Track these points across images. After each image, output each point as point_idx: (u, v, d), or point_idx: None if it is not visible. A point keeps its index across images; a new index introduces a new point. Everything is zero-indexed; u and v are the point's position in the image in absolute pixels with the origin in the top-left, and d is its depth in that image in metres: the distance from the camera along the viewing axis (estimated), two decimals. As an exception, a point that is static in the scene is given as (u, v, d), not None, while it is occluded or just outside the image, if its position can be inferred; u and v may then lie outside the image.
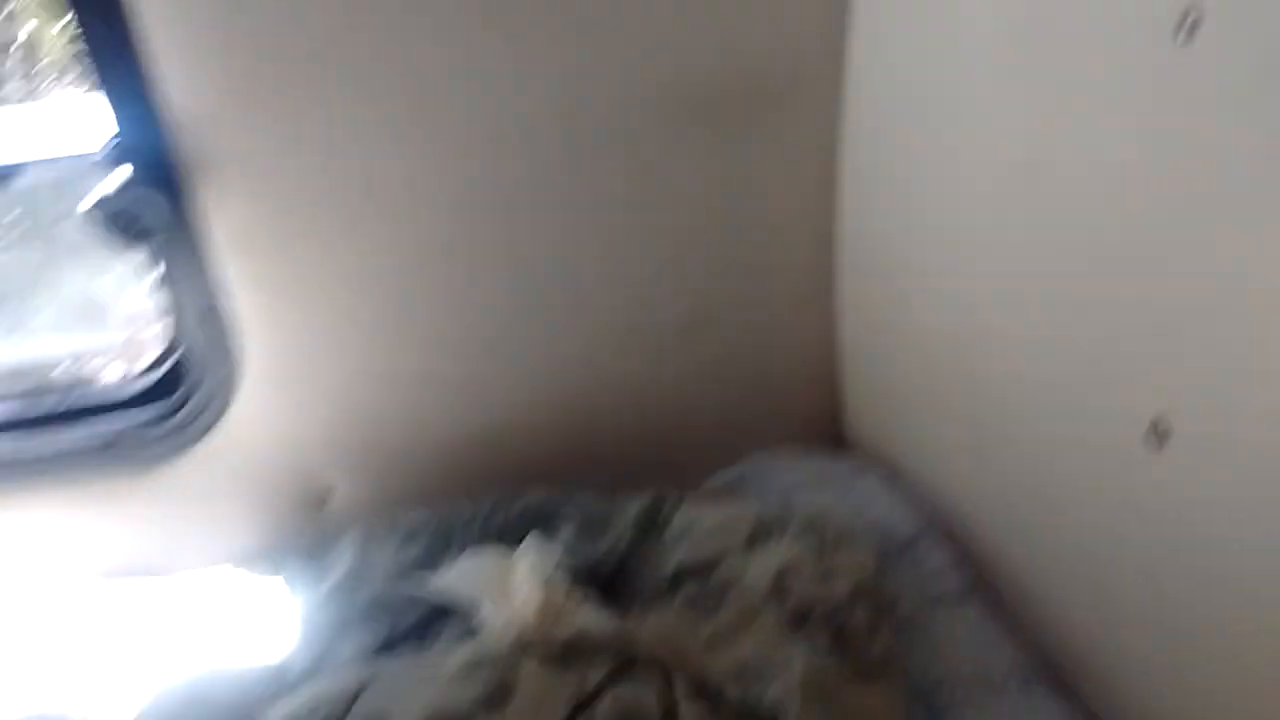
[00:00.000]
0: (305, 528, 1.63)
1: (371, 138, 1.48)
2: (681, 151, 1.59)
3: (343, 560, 1.47)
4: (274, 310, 1.53)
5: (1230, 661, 1.05)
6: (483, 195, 1.54)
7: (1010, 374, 1.33)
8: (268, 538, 1.64)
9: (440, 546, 1.46)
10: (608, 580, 1.43)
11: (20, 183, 1.45)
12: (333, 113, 1.46)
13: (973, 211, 1.35)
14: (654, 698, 1.09)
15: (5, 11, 1.89)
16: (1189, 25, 0.94)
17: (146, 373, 1.61)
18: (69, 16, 1.34)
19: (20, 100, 1.77)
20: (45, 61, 1.79)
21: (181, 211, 1.41)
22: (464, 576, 1.36)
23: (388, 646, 1.34)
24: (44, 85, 1.77)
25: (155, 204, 1.34)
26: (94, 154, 1.40)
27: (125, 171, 1.36)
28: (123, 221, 1.34)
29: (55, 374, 1.75)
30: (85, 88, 1.48)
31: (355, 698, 1.09)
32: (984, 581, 1.45)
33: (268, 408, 1.59)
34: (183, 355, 1.56)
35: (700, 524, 1.44)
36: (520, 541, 1.41)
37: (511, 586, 1.32)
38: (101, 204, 1.34)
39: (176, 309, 1.52)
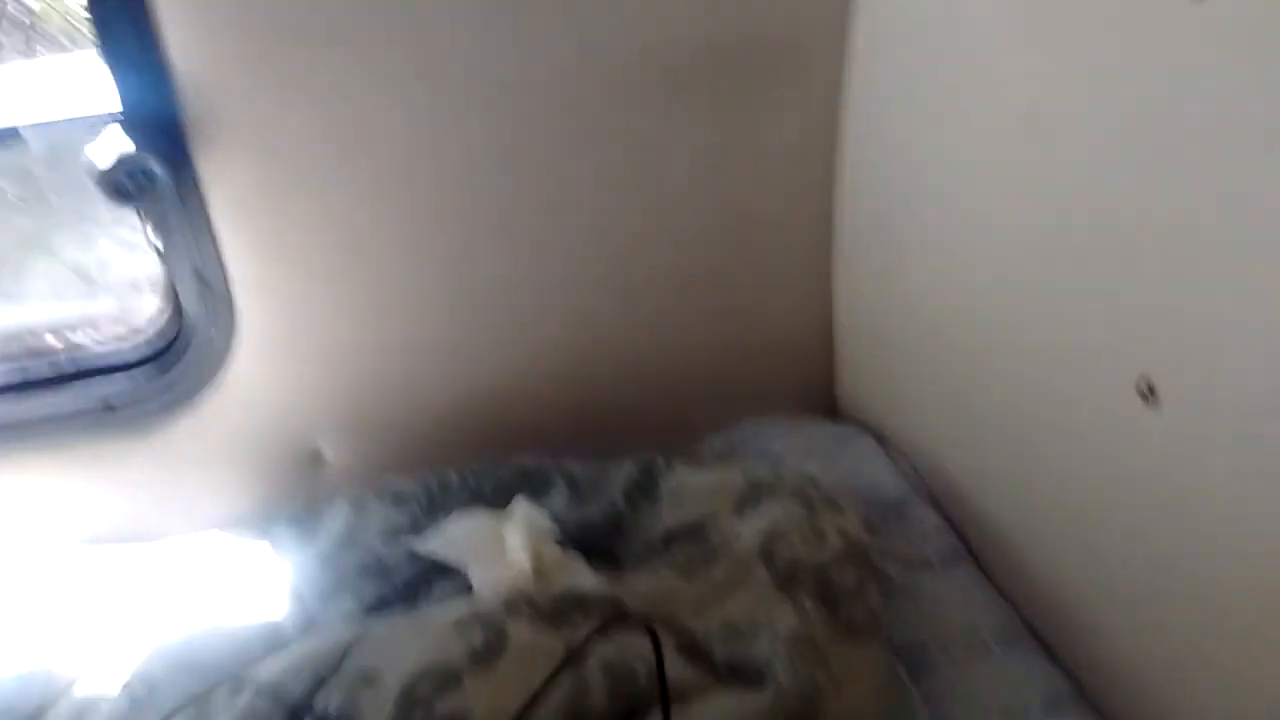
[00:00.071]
0: (297, 492, 1.63)
1: (370, 103, 1.48)
2: (681, 116, 1.59)
3: (334, 523, 1.48)
4: (269, 275, 1.53)
5: (1216, 621, 1.06)
6: (481, 159, 1.54)
7: (1001, 336, 1.34)
8: (260, 502, 1.65)
9: (431, 509, 1.48)
10: (598, 542, 1.44)
11: (19, 144, 1.44)
12: (332, 78, 1.46)
13: (970, 179, 1.36)
14: (643, 654, 1.09)
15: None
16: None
17: (141, 336, 1.61)
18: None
19: (20, 60, 1.76)
20: (46, 25, 1.78)
21: (180, 174, 1.41)
22: (454, 538, 1.38)
23: (378, 608, 1.36)
24: (46, 47, 1.76)
25: (154, 166, 1.34)
26: (94, 116, 1.40)
27: (126, 132, 1.36)
28: (122, 183, 1.34)
29: (50, 338, 1.75)
30: (86, 49, 1.48)
31: (346, 653, 1.10)
32: (971, 545, 1.47)
33: (262, 372, 1.60)
34: (177, 318, 1.57)
35: (690, 487, 1.45)
36: (510, 504, 1.43)
37: (502, 547, 1.34)
38: (101, 165, 1.33)
39: (173, 272, 1.52)
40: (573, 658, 1.06)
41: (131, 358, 1.59)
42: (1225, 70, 0.93)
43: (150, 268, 1.63)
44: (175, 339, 1.57)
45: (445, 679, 1.03)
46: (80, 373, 1.60)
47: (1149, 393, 1.06)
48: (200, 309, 1.53)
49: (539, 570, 1.29)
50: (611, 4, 1.51)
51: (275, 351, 1.59)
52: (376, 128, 1.50)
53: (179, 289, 1.53)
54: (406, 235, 1.58)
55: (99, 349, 1.63)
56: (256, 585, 1.40)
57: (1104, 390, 1.13)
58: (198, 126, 1.41)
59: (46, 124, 1.44)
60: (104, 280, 2.06)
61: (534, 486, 1.50)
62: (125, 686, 1.22)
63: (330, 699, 1.04)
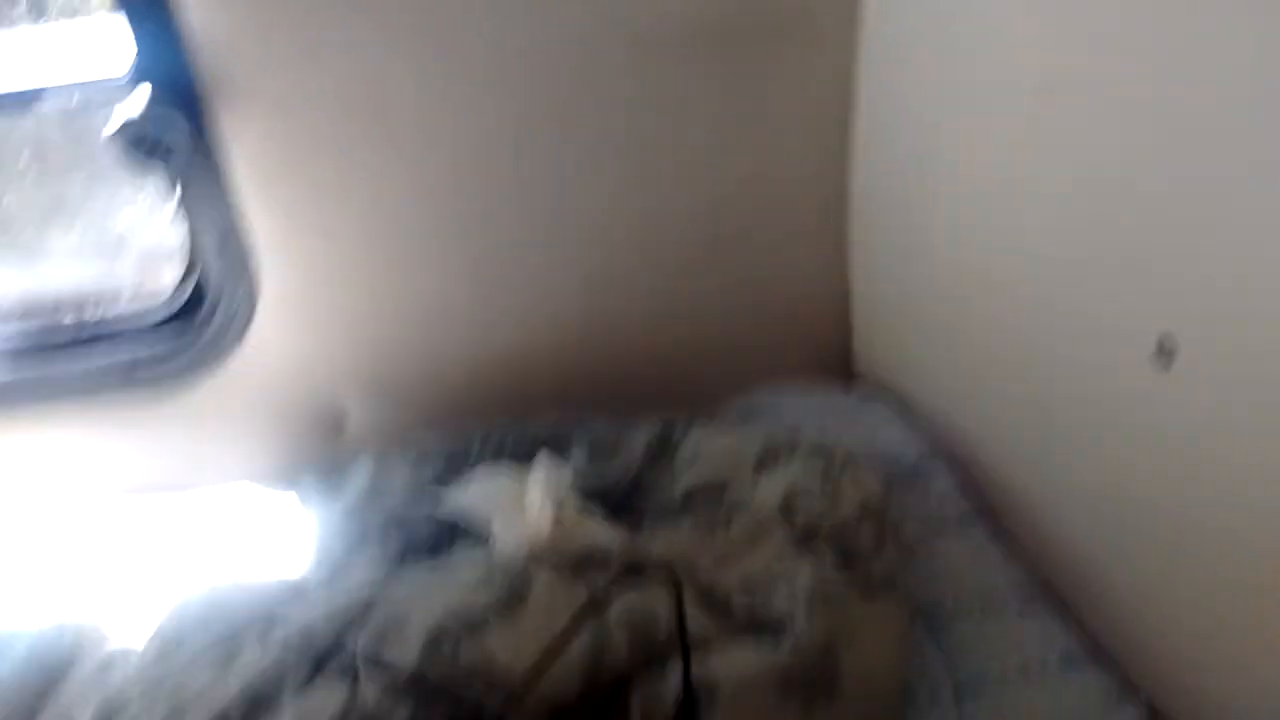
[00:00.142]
0: (320, 453, 1.65)
1: (386, 67, 1.49)
2: (697, 80, 1.59)
3: (358, 480, 1.50)
4: (290, 235, 1.55)
5: (1232, 580, 1.07)
6: (496, 124, 1.55)
7: (1017, 298, 1.35)
8: (284, 462, 1.67)
9: (453, 467, 1.49)
10: (618, 502, 1.45)
11: (41, 107, 1.46)
12: (349, 42, 1.47)
13: (985, 139, 1.36)
14: (663, 605, 1.11)
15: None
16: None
17: (165, 298, 1.63)
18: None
19: (38, 25, 1.78)
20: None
21: (201, 135, 1.43)
22: (477, 494, 1.39)
23: (402, 562, 1.37)
24: (63, 8, 1.77)
25: (175, 127, 1.35)
26: (115, 78, 1.41)
27: (146, 94, 1.37)
28: (143, 144, 1.35)
29: (75, 300, 1.77)
30: (106, 10, 1.48)
31: (373, 601, 1.12)
32: (987, 506, 1.48)
33: (284, 334, 1.61)
34: (201, 280, 1.58)
35: (710, 448, 1.46)
36: (532, 463, 1.44)
37: (524, 504, 1.35)
38: (123, 127, 1.34)
39: (195, 234, 1.53)
40: (594, 606, 1.07)
41: (155, 320, 1.61)
42: (1241, 31, 0.94)
43: (173, 233, 1.64)
44: (198, 301, 1.59)
45: (470, 626, 1.05)
46: (105, 335, 1.61)
47: (1168, 354, 1.07)
48: (222, 271, 1.54)
49: (560, 525, 1.30)
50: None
51: (297, 313, 1.60)
52: (393, 91, 1.51)
53: (201, 251, 1.54)
54: (424, 198, 1.59)
55: (123, 312, 1.65)
56: (282, 539, 1.41)
57: (1122, 352, 1.14)
58: (216, 89, 1.42)
59: (68, 86, 1.45)
60: (128, 246, 2.07)
61: (555, 446, 1.51)
62: (154, 636, 1.24)
63: (357, 643, 1.06)
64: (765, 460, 1.40)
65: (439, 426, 1.58)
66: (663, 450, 1.51)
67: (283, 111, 1.48)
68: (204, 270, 1.56)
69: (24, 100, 1.47)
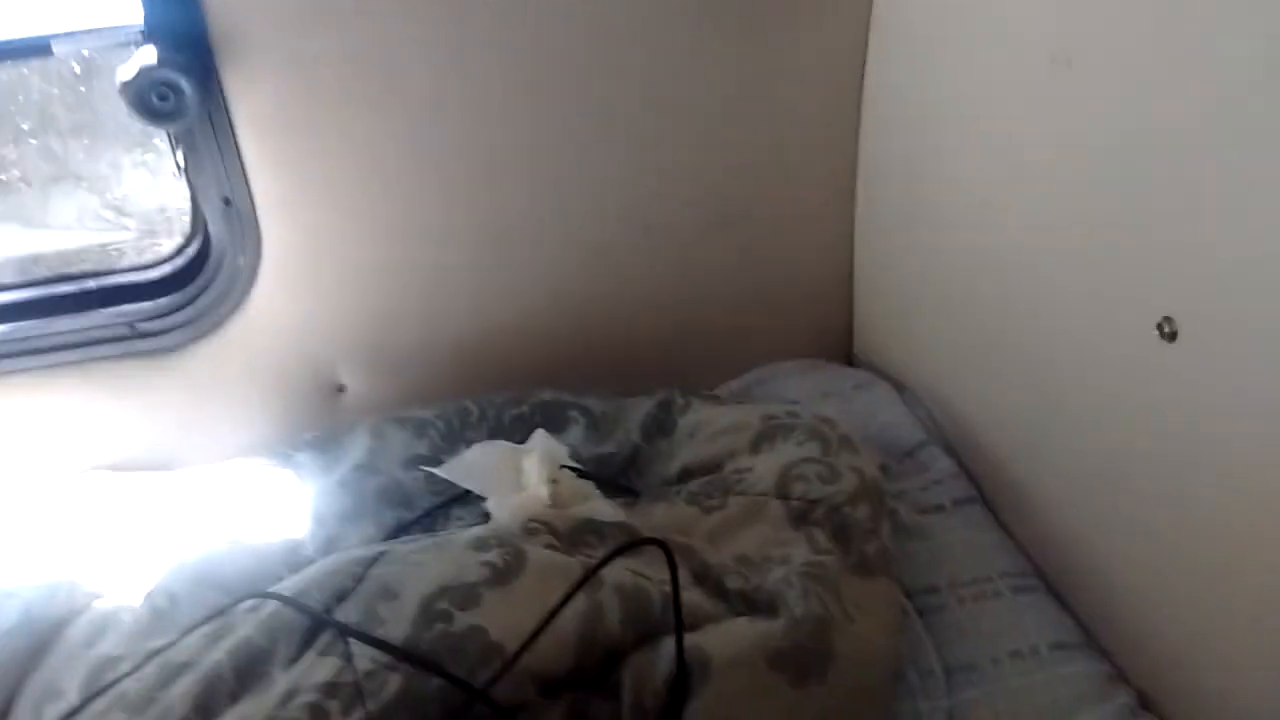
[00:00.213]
0: (318, 421, 1.65)
1: (395, 28, 1.48)
2: (706, 52, 1.58)
3: (354, 451, 1.50)
4: (295, 199, 1.54)
5: (1232, 567, 1.06)
6: (504, 89, 1.54)
7: (1020, 281, 1.34)
8: (281, 430, 1.66)
9: (450, 440, 1.49)
10: (614, 477, 1.46)
11: (45, 60, 1.44)
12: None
13: (994, 119, 1.35)
14: (658, 580, 1.11)
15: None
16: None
17: (167, 260, 1.62)
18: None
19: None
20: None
21: (208, 93, 1.41)
22: (473, 466, 1.39)
23: (397, 533, 1.38)
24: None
25: (182, 83, 1.34)
26: (121, 30, 1.40)
27: (152, 50, 1.36)
28: (150, 100, 1.34)
29: (77, 260, 1.76)
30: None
31: (367, 569, 1.12)
32: (985, 491, 1.48)
33: (286, 299, 1.61)
34: (203, 242, 1.58)
35: (707, 424, 1.46)
36: (529, 437, 1.44)
37: (520, 477, 1.35)
38: (131, 80, 1.34)
39: (198, 195, 1.53)
40: (590, 578, 1.07)
41: (158, 281, 1.60)
42: (1247, 13, 0.93)
43: (177, 196, 1.64)
44: (201, 263, 1.58)
45: (464, 595, 1.05)
46: (105, 296, 1.61)
47: (1169, 337, 1.07)
48: (226, 233, 1.54)
49: (556, 499, 1.30)
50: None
51: (300, 279, 1.60)
52: (401, 52, 1.49)
53: (205, 213, 1.53)
54: (430, 164, 1.58)
55: (124, 272, 1.64)
56: (278, 507, 1.42)
57: (1123, 335, 1.13)
58: (224, 44, 1.41)
59: (74, 34, 1.44)
60: (131, 211, 2.07)
61: (553, 421, 1.51)
62: (147, 598, 1.24)
63: (350, 611, 1.06)
64: (762, 439, 1.40)
65: (436, 399, 1.57)
66: (660, 427, 1.51)
67: (290, 71, 1.47)
68: (206, 233, 1.56)
69: (34, 47, 1.46)
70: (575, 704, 1.04)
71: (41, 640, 1.25)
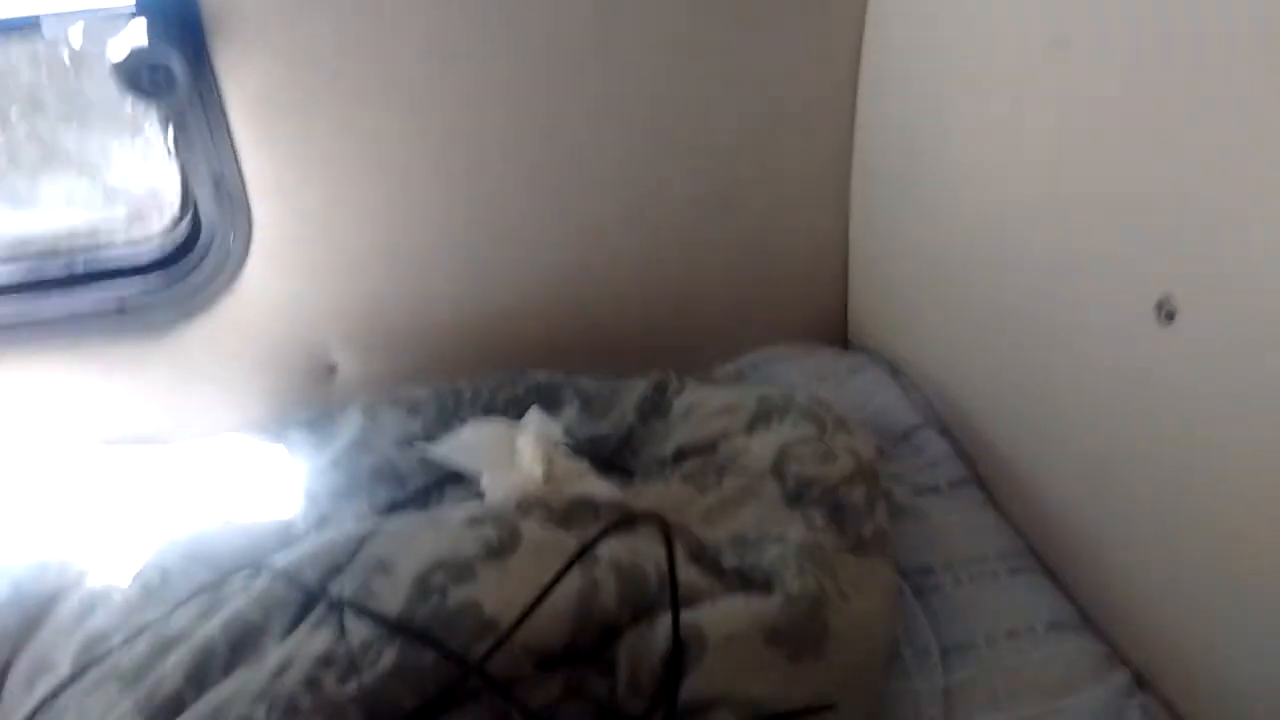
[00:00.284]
0: (310, 403, 1.64)
1: (388, 6, 1.47)
2: (703, 35, 1.58)
3: (347, 430, 1.49)
4: (286, 180, 1.53)
5: (1226, 548, 1.07)
6: (500, 67, 1.53)
7: (1016, 263, 1.34)
8: (272, 409, 1.66)
9: (443, 419, 1.48)
10: (609, 458, 1.45)
11: (35, 39, 1.43)
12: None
13: (991, 101, 1.35)
14: (654, 557, 1.10)
15: None
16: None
17: (157, 239, 1.61)
18: None
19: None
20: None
21: (200, 71, 1.40)
22: (467, 444, 1.39)
23: (390, 512, 1.37)
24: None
25: (173, 61, 1.33)
26: (114, 8, 1.39)
27: (146, 26, 1.35)
28: (141, 78, 1.33)
29: (67, 242, 1.75)
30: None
31: (361, 544, 1.11)
32: (980, 473, 1.48)
33: (277, 280, 1.60)
34: (193, 222, 1.56)
35: (702, 405, 1.46)
36: (523, 416, 1.43)
37: (514, 456, 1.35)
38: (120, 59, 1.33)
39: (189, 174, 1.52)
40: (586, 552, 1.06)
41: (146, 261, 1.59)
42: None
43: (169, 176, 1.62)
44: (191, 243, 1.57)
45: (459, 570, 1.04)
46: (95, 275, 1.60)
47: (1167, 317, 1.06)
48: (216, 213, 1.52)
49: (551, 477, 1.29)
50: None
51: (290, 259, 1.59)
52: (395, 32, 1.48)
53: (196, 192, 1.52)
54: (423, 145, 1.57)
55: (114, 252, 1.63)
56: (270, 485, 1.41)
57: (1122, 314, 1.13)
58: (216, 22, 1.40)
59: (64, 13, 1.42)
60: (121, 194, 2.05)
61: (547, 401, 1.50)
62: (138, 575, 1.23)
63: (344, 585, 1.05)
64: (758, 420, 1.40)
65: (429, 379, 1.56)
66: (655, 407, 1.50)
67: (283, 51, 1.45)
68: (197, 212, 1.55)
69: (23, 25, 1.44)
70: (571, 680, 1.04)
71: (32, 616, 1.24)
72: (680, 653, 1.02)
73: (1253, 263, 0.96)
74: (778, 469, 1.30)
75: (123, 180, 2.01)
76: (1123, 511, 1.22)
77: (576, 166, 1.64)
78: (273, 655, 1.01)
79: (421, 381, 1.56)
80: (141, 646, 1.06)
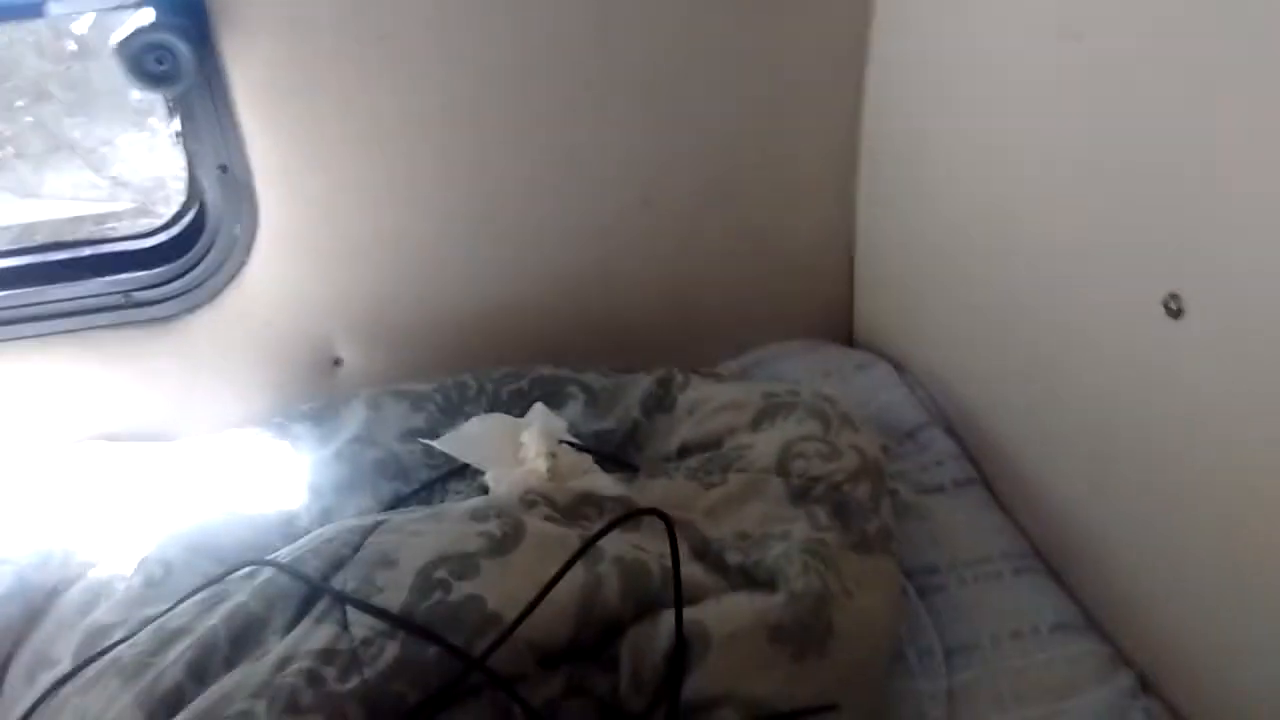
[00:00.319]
0: (314, 396, 1.63)
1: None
2: (708, 25, 1.57)
3: (351, 423, 1.49)
4: (292, 168, 1.52)
5: (1232, 550, 1.06)
6: (505, 59, 1.53)
7: (1023, 261, 1.34)
8: (276, 402, 1.65)
9: (448, 413, 1.48)
10: (613, 454, 1.45)
11: (41, 40, 1.43)
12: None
13: (998, 94, 1.34)
14: (657, 554, 1.10)
15: None
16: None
17: (163, 228, 1.60)
18: None
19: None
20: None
21: (204, 57, 1.40)
22: (471, 438, 1.38)
23: (394, 506, 1.37)
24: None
25: (178, 46, 1.33)
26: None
27: (149, 13, 1.34)
28: (146, 64, 1.33)
29: (72, 230, 1.75)
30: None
31: (365, 538, 1.11)
32: (985, 473, 1.47)
33: (282, 271, 1.59)
34: (199, 211, 1.56)
35: (707, 402, 1.45)
36: (527, 412, 1.43)
37: (519, 450, 1.34)
38: (123, 44, 1.32)
39: (195, 162, 1.51)
40: (589, 547, 1.06)
41: (153, 250, 1.59)
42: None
43: (175, 167, 1.62)
44: (197, 232, 1.56)
45: (462, 565, 1.04)
46: (100, 264, 1.59)
47: (1174, 314, 1.06)
48: (222, 201, 1.52)
49: (555, 472, 1.29)
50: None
51: (297, 249, 1.58)
52: (402, 19, 1.47)
53: (201, 181, 1.52)
54: (431, 134, 1.56)
55: (120, 241, 1.63)
56: (273, 478, 1.40)
57: (1130, 311, 1.12)
58: (222, 8, 1.39)
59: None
60: (126, 185, 2.06)
61: (551, 396, 1.50)
62: (141, 567, 1.23)
63: (347, 579, 1.05)
64: (763, 416, 1.39)
65: (434, 373, 1.56)
66: (659, 404, 1.50)
67: (289, 36, 1.45)
68: (203, 201, 1.54)
69: (28, 8, 1.43)
70: (574, 676, 1.04)
71: (34, 609, 1.24)
72: (683, 650, 1.01)
73: (1263, 259, 0.95)
74: (782, 466, 1.29)
75: (129, 170, 2.01)
76: (1129, 512, 1.21)
77: (581, 159, 1.63)
78: (274, 649, 1.00)
79: (425, 376, 1.56)
80: (143, 640, 1.06)
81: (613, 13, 1.54)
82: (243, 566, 1.15)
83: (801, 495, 1.26)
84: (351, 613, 1.01)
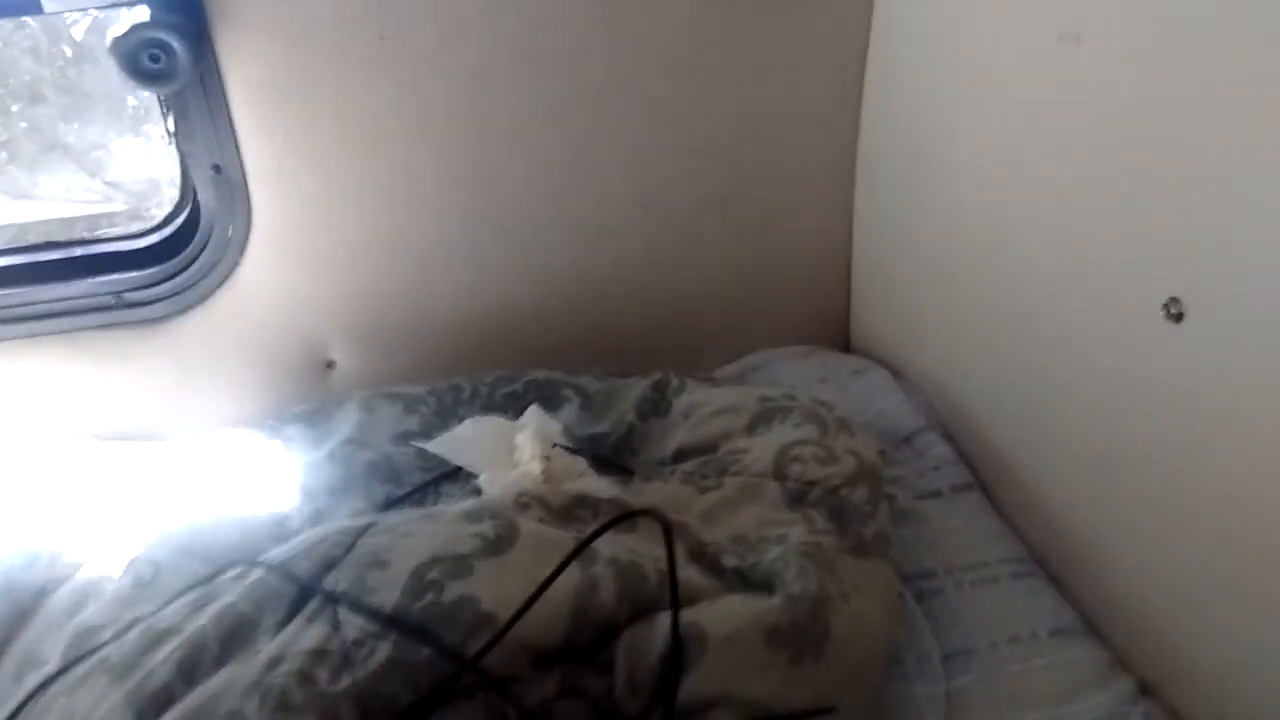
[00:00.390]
0: (307, 398, 1.62)
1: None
2: (708, 31, 1.57)
3: (344, 425, 1.48)
4: (287, 169, 1.52)
5: (1231, 554, 1.05)
6: (504, 61, 1.53)
7: (1021, 266, 1.34)
8: (269, 404, 1.64)
9: (441, 416, 1.47)
10: (609, 457, 1.44)
11: (39, 22, 1.42)
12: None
13: (996, 103, 1.34)
14: (653, 556, 1.09)
15: None
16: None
17: (155, 229, 1.60)
18: None
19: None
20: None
21: (199, 55, 1.39)
22: (465, 440, 1.37)
23: (387, 508, 1.35)
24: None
25: (173, 44, 1.32)
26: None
27: (145, 10, 1.34)
28: (142, 62, 1.32)
29: (64, 231, 1.74)
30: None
31: (357, 539, 1.09)
32: (982, 478, 1.47)
33: (276, 273, 1.59)
34: (192, 211, 1.55)
35: (703, 405, 1.44)
36: (522, 414, 1.42)
37: (513, 453, 1.33)
38: (119, 41, 1.32)
39: (188, 162, 1.50)
40: (584, 548, 1.05)
41: (147, 250, 1.58)
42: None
43: (169, 171, 1.61)
44: (189, 233, 1.56)
45: (456, 565, 1.03)
46: (92, 264, 1.58)
47: (1177, 317, 1.05)
48: (215, 202, 1.51)
49: (549, 475, 1.28)
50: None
51: (291, 250, 1.57)
52: (399, 19, 1.47)
53: (195, 181, 1.51)
54: (427, 136, 1.56)
55: (112, 242, 1.62)
56: (265, 479, 1.39)
57: (1130, 315, 1.12)
58: (218, 6, 1.39)
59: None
60: (119, 187, 2.05)
61: (546, 399, 1.49)
62: (130, 568, 1.22)
63: (339, 579, 1.04)
64: (759, 420, 1.39)
65: (427, 376, 1.55)
66: (655, 407, 1.49)
67: (285, 36, 1.44)
68: (196, 201, 1.54)
69: (25, 5, 1.43)
70: (568, 678, 1.03)
71: (22, 609, 1.23)
72: (679, 652, 1.00)
73: (1264, 263, 0.95)
74: (779, 469, 1.29)
75: (122, 174, 2.00)
76: (1126, 516, 1.21)
77: (579, 163, 1.63)
78: (265, 649, 0.99)
79: (420, 377, 1.55)
80: (132, 640, 1.05)
81: (614, 22, 1.53)
82: (233, 566, 1.13)
83: (798, 499, 1.25)
84: (343, 613, 1.00)
